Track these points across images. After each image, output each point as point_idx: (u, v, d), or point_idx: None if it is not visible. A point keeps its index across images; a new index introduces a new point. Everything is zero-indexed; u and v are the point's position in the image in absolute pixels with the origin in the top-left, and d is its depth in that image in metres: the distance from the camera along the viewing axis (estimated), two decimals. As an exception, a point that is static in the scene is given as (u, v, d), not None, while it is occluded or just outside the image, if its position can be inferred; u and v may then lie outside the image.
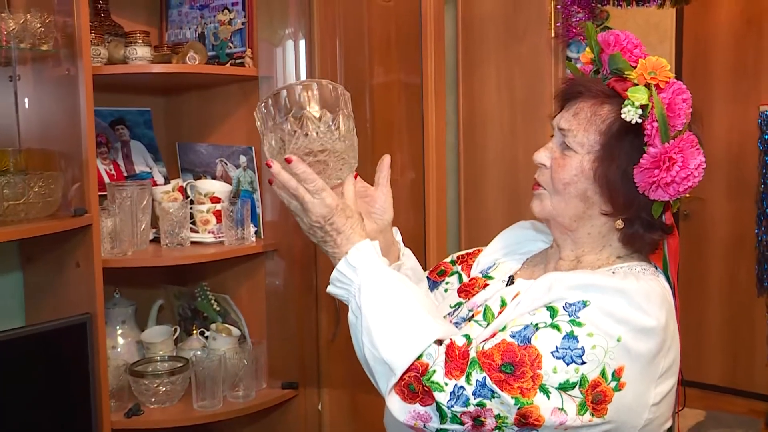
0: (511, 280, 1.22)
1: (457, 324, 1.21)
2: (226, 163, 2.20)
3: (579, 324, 1.02)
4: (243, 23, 2.10)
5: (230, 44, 2.12)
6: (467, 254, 1.37)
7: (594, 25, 1.25)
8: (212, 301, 2.26)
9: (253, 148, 2.15)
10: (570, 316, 1.02)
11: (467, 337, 1.07)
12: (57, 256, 1.86)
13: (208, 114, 2.26)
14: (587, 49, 1.19)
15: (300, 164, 1.05)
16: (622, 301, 1.03)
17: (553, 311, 1.04)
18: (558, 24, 2.04)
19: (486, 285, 1.25)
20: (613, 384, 1.01)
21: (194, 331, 2.24)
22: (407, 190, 2.25)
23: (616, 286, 1.04)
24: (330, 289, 1.09)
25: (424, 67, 2.21)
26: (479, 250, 1.36)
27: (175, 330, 2.23)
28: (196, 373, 2.06)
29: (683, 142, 1.09)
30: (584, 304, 1.03)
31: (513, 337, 1.03)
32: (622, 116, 1.10)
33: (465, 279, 1.32)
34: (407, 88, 2.23)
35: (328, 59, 2.11)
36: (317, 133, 1.04)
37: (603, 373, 1.00)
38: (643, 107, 1.09)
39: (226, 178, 2.21)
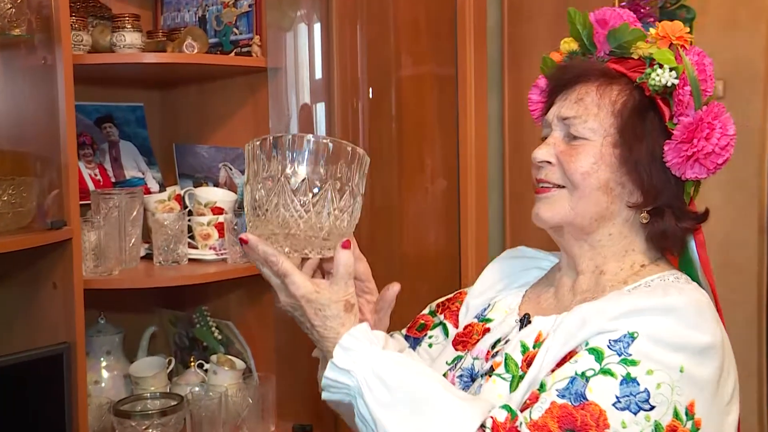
0: (527, 320, 1.19)
1: (461, 377, 1.20)
2: (231, 168, 2.20)
3: (633, 363, 1.00)
4: (250, 6, 2.09)
5: (235, 30, 2.12)
6: (448, 300, 1.37)
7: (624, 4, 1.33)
8: (213, 329, 2.23)
9: None
10: (619, 355, 1.01)
11: (507, 408, 1.03)
12: (30, 276, 1.85)
13: (210, 111, 2.25)
14: (567, 38, 1.22)
15: (260, 246, 1.00)
16: (673, 322, 1.02)
17: (597, 354, 1.02)
18: (623, 4, 1.99)
19: (486, 330, 1.23)
20: (689, 425, 1.00)
21: (192, 364, 2.20)
22: (438, 201, 2.24)
23: (662, 306, 1.03)
24: (325, 395, 1.06)
25: (461, 57, 2.22)
26: (462, 293, 1.35)
27: (170, 362, 2.20)
28: (193, 413, 2.00)
29: (716, 108, 1.12)
30: (632, 336, 1.02)
31: (562, 396, 1.00)
32: (653, 82, 1.12)
33: (452, 329, 1.31)
34: (440, 81, 2.25)
35: (347, 47, 2.09)
36: (294, 208, 0.97)
37: (676, 414, 0.99)
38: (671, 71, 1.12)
39: (231, 186, 2.20)
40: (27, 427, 1.74)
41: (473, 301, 1.31)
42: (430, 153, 2.23)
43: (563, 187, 1.16)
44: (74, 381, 1.79)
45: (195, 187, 2.23)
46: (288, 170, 0.95)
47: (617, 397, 0.98)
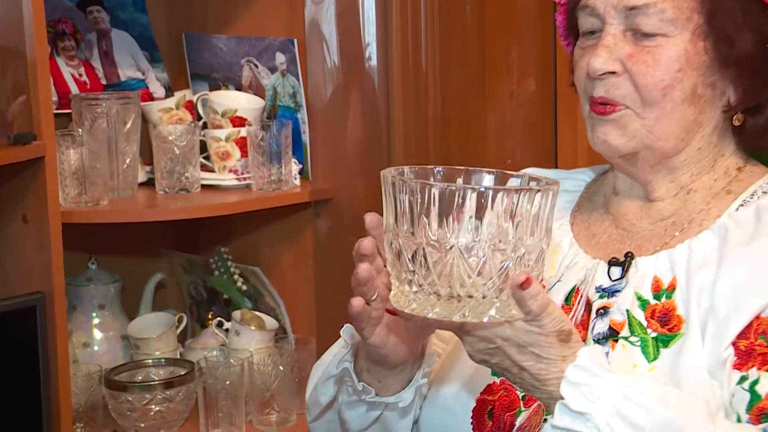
0: (629, 262, 1.20)
1: None
2: (257, 66, 2.19)
3: None
4: None
5: None
6: None
7: None
8: (235, 277, 2.23)
9: (296, 42, 2.11)
10: None
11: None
12: (-9, 206, 1.89)
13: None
14: None
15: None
16: None
17: None
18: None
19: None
20: None
21: (209, 322, 2.19)
22: (529, 109, 2.19)
23: None
24: None
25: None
26: None
27: (180, 319, 2.21)
28: (207, 385, 1.98)
29: None
30: None
31: None
32: None
33: None
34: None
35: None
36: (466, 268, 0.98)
37: None
38: None
39: (257, 89, 2.20)
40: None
41: None
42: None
43: (627, 107, 1.17)
44: (51, 343, 1.81)
45: (211, 90, 2.23)
46: (461, 240, 0.97)
47: None
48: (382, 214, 1.05)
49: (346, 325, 1.19)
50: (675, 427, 1.00)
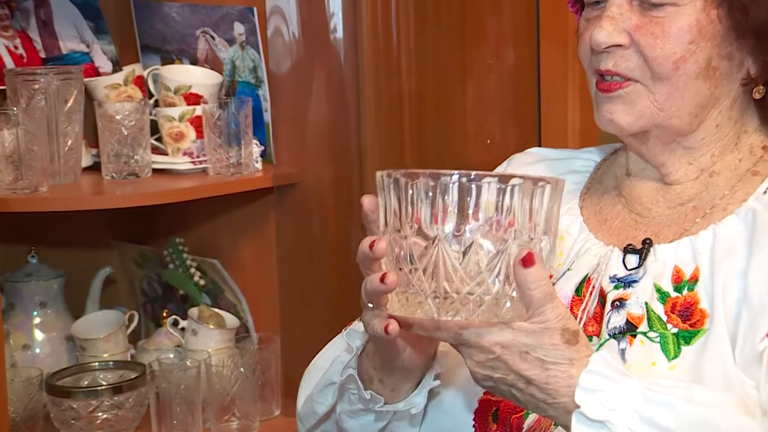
0: (647, 249, 1.20)
1: None
2: (213, 37, 2.17)
3: None
4: None
5: None
6: None
7: None
8: (192, 270, 2.22)
9: (256, 11, 2.08)
10: None
11: None
12: None
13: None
14: None
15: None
16: None
17: None
18: None
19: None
20: None
21: (164, 320, 2.18)
22: (510, 83, 2.22)
23: None
24: None
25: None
26: None
27: (131, 318, 2.20)
28: (161, 390, 1.97)
29: None
30: None
31: None
32: None
33: None
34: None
35: None
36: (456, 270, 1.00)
37: None
38: None
39: (214, 62, 2.18)
40: None
41: None
42: (499, 15, 2.19)
43: (636, 81, 1.17)
44: (-16, 346, 1.81)
45: (163, 65, 2.21)
46: (447, 232, 1.00)
47: None
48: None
49: (349, 329, 1.20)
50: (707, 424, 1.00)
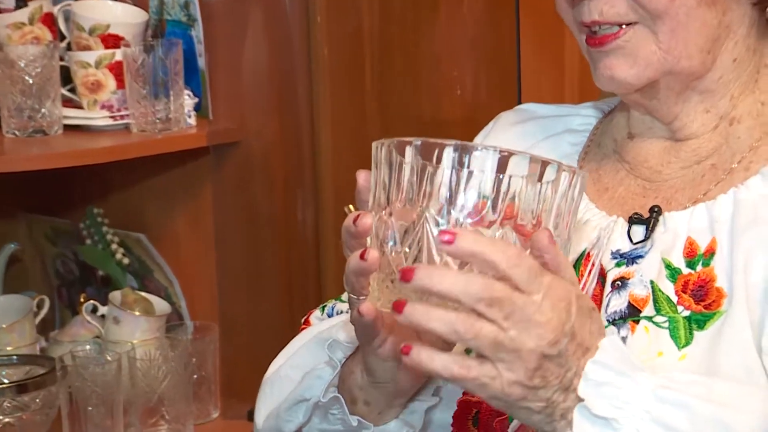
0: (655, 218, 1.18)
1: None
2: None
3: None
4: None
5: None
6: None
7: None
8: (113, 247, 2.19)
9: None
10: None
11: None
12: None
13: None
14: None
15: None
16: None
17: None
18: None
19: None
20: None
21: (80, 306, 2.12)
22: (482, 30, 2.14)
23: None
24: None
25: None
26: None
27: (41, 303, 2.16)
28: (74, 390, 1.93)
29: None
30: None
31: None
32: None
33: None
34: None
35: None
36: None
37: None
38: None
39: None
40: None
41: None
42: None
43: (635, 23, 1.15)
44: None
45: (76, 0, 2.11)
46: (432, 207, 0.99)
47: None
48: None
49: (332, 339, 1.17)
50: (724, 426, 0.99)
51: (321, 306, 1.41)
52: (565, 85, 2.07)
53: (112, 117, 2.03)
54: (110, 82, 2.03)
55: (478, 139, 1.43)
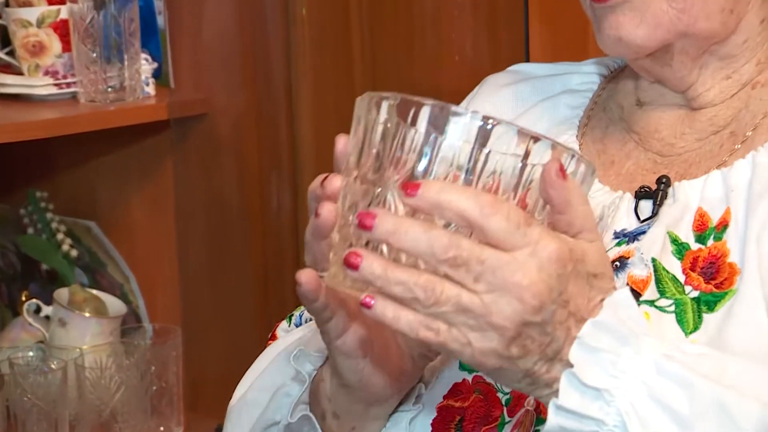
0: (664, 190, 1.15)
1: None
2: None
3: None
4: None
5: None
6: None
7: None
8: (59, 237, 2.16)
9: None
10: None
11: None
12: None
13: None
14: None
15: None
16: None
17: None
18: None
19: None
20: None
21: (21, 305, 2.10)
22: None
23: None
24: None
25: None
26: None
27: None
28: (12, 403, 1.92)
29: None
30: None
31: None
32: None
33: None
34: None
35: None
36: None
37: None
38: None
39: None
40: None
41: None
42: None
43: None
44: None
45: None
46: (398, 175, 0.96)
47: None
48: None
49: (298, 349, 1.15)
50: (723, 411, 0.97)
51: (288, 316, 1.36)
52: (589, 48, 1.86)
53: (56, 85, 1.99)
54: (54, 44, 1.98)
55: (462, 105, 1.38)
